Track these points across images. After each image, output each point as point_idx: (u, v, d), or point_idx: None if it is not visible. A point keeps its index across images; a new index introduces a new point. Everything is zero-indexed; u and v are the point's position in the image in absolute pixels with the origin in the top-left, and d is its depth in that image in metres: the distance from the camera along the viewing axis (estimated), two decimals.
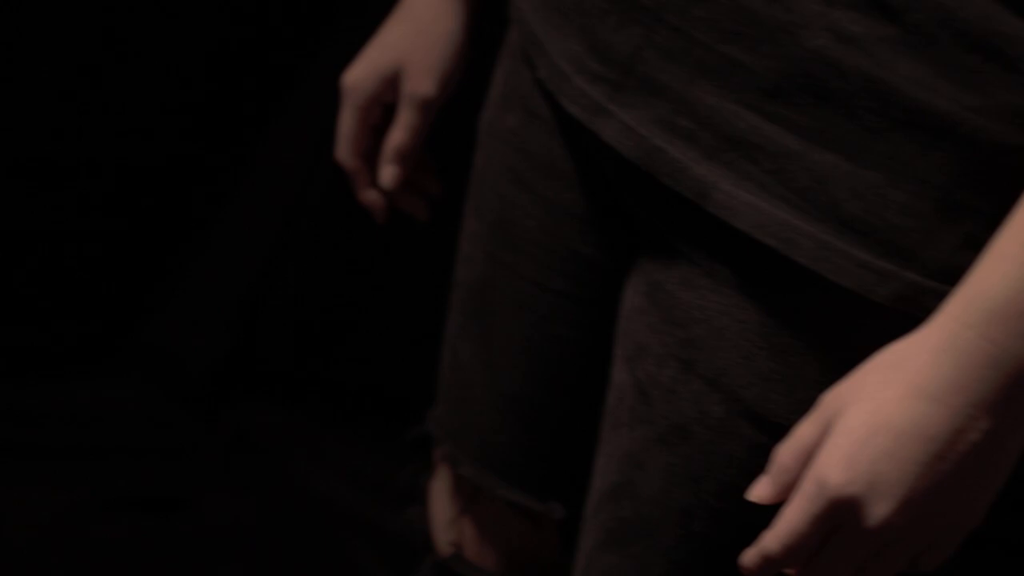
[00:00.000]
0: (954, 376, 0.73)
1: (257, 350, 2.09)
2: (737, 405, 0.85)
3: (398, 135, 1.10)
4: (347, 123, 1.11)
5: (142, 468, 1.94)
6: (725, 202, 0.81)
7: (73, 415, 1.98)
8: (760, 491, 0.79)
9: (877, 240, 0.78)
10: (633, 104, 0.84)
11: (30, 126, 1.97)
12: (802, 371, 0.82)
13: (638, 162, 0.85)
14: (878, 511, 0.74)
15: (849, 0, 0.76)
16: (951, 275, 0.77)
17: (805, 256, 0.79)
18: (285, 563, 1.83)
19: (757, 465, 0.82)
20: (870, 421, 0.74)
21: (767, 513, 0.80)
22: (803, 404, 0.81)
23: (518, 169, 0.99)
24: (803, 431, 0.78)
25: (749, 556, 0.79)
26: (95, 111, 1.98)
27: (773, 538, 0.77)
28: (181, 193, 2.06)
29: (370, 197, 1.13)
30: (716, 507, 0.87)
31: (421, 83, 1.09)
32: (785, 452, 0.78)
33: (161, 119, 2.02)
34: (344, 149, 1.12)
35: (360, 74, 1.10)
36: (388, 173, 1.10)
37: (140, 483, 1.91)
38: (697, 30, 0.81)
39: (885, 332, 0.77)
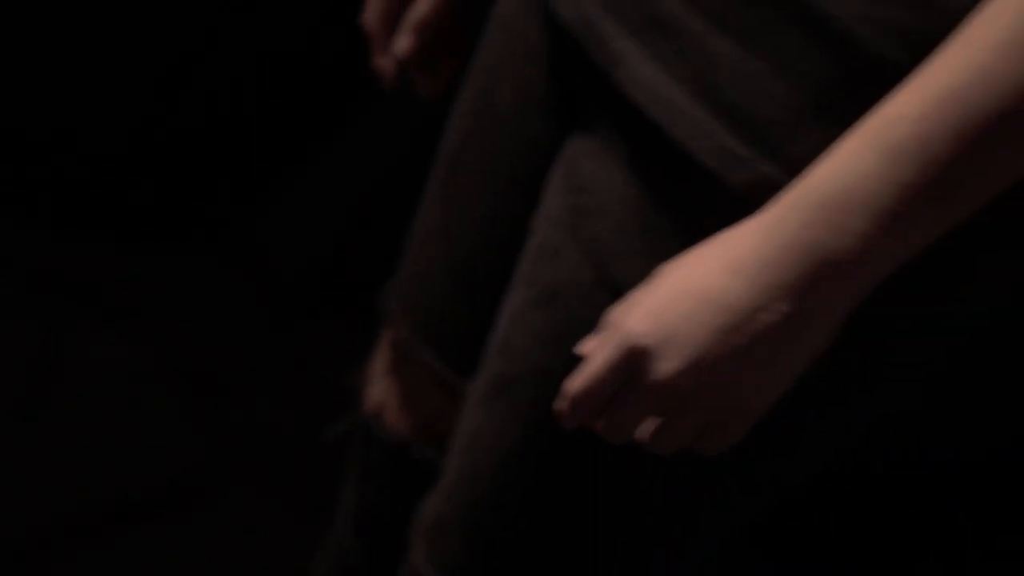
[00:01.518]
0: (765, 255, 0.74)
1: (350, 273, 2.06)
2: (603, 275, 0.88)
3: (420, 7, 1.11)
4: None
5: (201, 346, 1.94)
6: (627, 76, 0.83)
7: (159, 282, 2.00)
8: (588, 348, 0.82)
9: (747, 128, 0.79)
10: None
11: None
12: (665, 251, 0.83)
13: (573, 31, 0.87)
14: (666, 366, 0.77)
15: None
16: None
17: (680, 133, 0.81)
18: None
19: None
20: (678, 285, 0.77)
21: None
22: None
23: (501, 49, 1.03)
24: (634, 295, 0.80)
25: (557, 401, 0.83)
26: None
27: (574, 381, 0.81)
28: (327, 88, 2.05)
29: (382, 63, 1.15)
30: (567, 372, 0.87)
31: None
32: (615, 313, 0.81)
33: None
34: (370, 13, 1.14)
35: None
36: (401, 42, 1.12)
37: (192, 358, 1.93)
38: None
39: (736, 220, 0.78)
